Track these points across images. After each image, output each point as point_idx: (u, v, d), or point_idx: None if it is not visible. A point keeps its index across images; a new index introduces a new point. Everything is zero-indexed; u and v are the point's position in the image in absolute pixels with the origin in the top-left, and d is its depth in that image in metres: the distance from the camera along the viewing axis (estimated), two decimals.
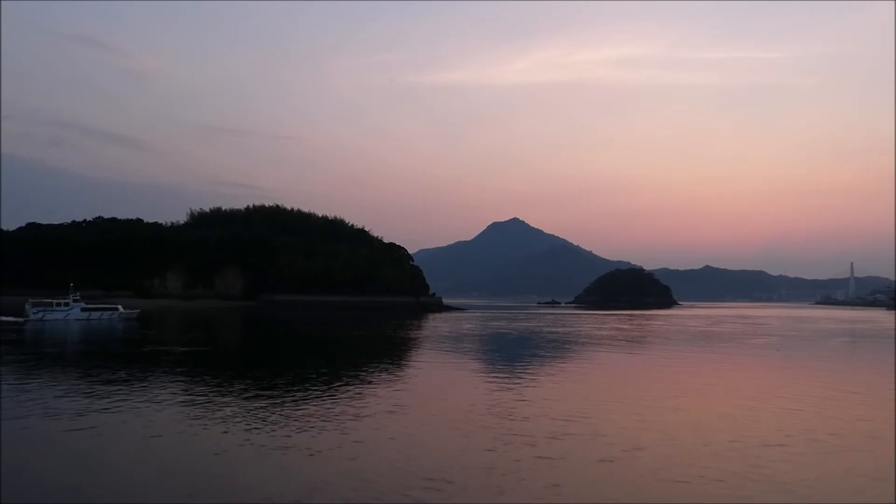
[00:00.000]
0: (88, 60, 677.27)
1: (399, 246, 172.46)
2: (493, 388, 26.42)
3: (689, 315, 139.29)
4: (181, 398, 22.51)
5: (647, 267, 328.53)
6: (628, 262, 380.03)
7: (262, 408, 20.75)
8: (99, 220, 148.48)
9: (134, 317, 76.13)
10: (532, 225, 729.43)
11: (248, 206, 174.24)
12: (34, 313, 67.44)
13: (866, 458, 15.84)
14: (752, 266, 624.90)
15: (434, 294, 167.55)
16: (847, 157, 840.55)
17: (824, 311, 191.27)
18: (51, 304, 69.96)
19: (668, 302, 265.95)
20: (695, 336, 67.14)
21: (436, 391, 26.42)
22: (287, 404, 21.53)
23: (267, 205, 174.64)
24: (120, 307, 77.70)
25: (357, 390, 25.37)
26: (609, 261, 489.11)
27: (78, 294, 73.67)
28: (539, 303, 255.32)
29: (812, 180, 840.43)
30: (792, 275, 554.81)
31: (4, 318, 64.27)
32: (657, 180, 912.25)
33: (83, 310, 71.71)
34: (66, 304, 70.59)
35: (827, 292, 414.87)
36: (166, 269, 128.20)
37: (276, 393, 24.06)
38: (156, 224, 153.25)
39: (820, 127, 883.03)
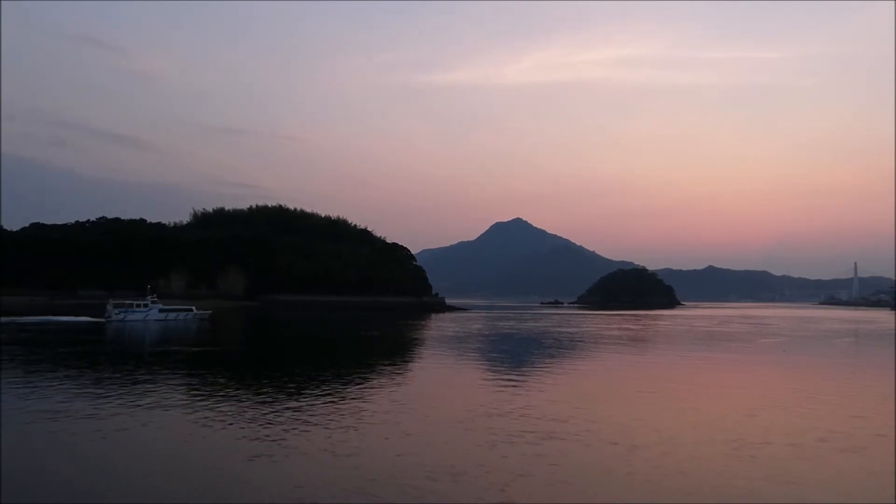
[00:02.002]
0: (91, 61, 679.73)
1: (401, 246, 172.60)
2: (497, 388, 26.24)
3: (693, 315, 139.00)
4: (187, 398, 22.43)
5: (650, 267, 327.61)
6: (631, 263, 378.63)
7: (265, 407, 20.65)
8: (102, 221, 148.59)
9: (206, 317, 78.44)
10: (535, 225, 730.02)
11: (250, 207, 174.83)
12: (116, 314, 70.31)
13: (866, 457, 15.70)
14: (755, 266, 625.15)
15: (437, 294, 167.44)
16: (847, 157, 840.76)
17: (828, 312, 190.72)
18: (131, 305, 72.67)
19: (670, 302, 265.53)
20: (702, 336, 66.91)
21: (439, 391, 26.27)
22: (290, 404, 21.41)
23: (269, 205, 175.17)
24: (193, 308, 79.97)
25: (360, 390, 25.23)
26: (612, 261, 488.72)
27: (155, 295, 77.00)
28: (542, 303, 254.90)
29: (813, 180, 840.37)
30: (795, 275, 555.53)
31: (83, 319, 68.62)
32: (659, 180, 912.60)
33: (161, 310, 74.38)
34: (145, 306, 73.46)
35: (830, 292, 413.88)
36: (169, 269, 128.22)
37: (279, 392, 23.95)
38: (159, 224, 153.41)
39: (820, 127, 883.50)
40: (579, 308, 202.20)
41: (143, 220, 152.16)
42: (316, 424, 18.20)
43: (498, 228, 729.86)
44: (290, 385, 26.17)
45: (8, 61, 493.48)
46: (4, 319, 65.30)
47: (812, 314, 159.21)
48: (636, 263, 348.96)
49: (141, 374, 28.55)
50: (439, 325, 79.83)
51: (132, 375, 28.14)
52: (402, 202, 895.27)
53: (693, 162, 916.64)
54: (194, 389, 24.64)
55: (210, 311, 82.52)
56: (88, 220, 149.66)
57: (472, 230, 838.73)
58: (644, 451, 15.66)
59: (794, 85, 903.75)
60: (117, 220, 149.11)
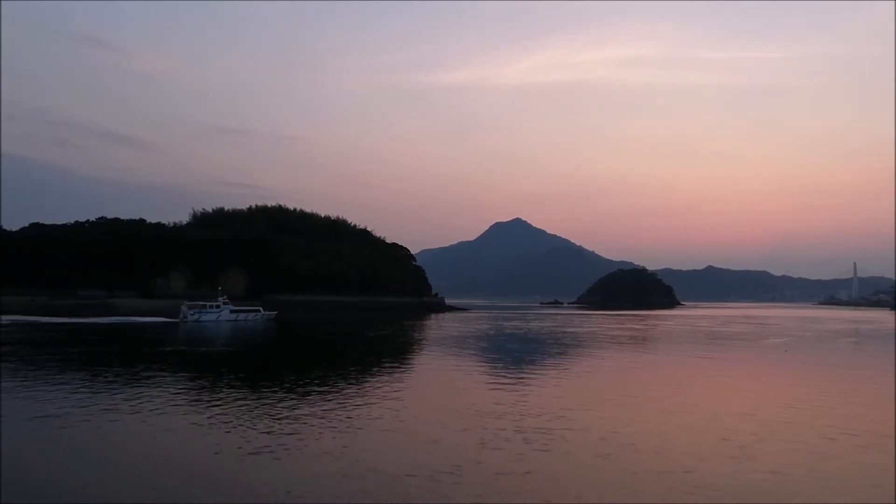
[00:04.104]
0: (93, 61, 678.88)
1: (401, 246, 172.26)
2: (499, 388, 26.12)
3: (694, 315, 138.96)
4: (188, 397, 22.34)
5: (650, 267, 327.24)
6: (631, 263, 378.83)
7: (265, 407, 20.54)
8: (102, 221, 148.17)
9: (272, 317, 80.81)
10: (535, 225, 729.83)
11: (250, 207, 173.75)
12: (191, 314, 73.34)
13: (867, 457, 15.58)
14: (755, 266, 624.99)
15: (436, 294, 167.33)
16: (847, 157, 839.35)
17: (828, 312, 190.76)
18: (204, 307, 75.49)
19: (670, 302, 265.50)
20: (705, 336, 66.85)
21: (441, 391, 26.13)
22: (290, 403, 21.31)
23: (269, 205, 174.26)
24: (261, 308, 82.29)
25: (360, 390, 25.12)
26: (611, 261, 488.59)
27: (226, 297, 79.81)
28: (541, 303, 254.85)
29: (813, 180, 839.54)
30: (795, 275, 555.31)
31: (160, 319, 72.40)
32: (659, 180, 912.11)
33: (231, 311, 76.95)
34: (217, 307, 76.16)
35: (830, 292, 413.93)
36: (170, 269, 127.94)
37: (279, 392, 23.85)
38: (159, 224, 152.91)
39: (820, 127, 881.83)
40: (579, 308, 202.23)
41: (142, 220, 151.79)
42: (316, 424, 18.07)
43: (498, 228, 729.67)
44: (291, 385, 26.04)
45: (12, 61, 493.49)
46: (82, 320, 68.06)
47: (813, 314, 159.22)
48: (636, 263, 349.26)
49: (144, 374, 28.39)
50: (440, 326, 79.75)
51: (135, 375, 27.99)
52: (402, 202, 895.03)
53: (693, 162, 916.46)
54: (196, 389, 24.53)
55: (275, 312, 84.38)
56: (88, 220, 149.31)
57: (472, 230, 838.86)
58: (643, 449, 15.61)
59: (794, 85, 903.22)
60: (117, 220, 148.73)
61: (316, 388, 25.04)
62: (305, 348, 48.67)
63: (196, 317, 73.03)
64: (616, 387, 27.46)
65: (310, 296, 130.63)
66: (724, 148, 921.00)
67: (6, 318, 66.16)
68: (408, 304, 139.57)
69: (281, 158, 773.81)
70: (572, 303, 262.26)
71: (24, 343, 43.16)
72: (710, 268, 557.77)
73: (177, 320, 71.56)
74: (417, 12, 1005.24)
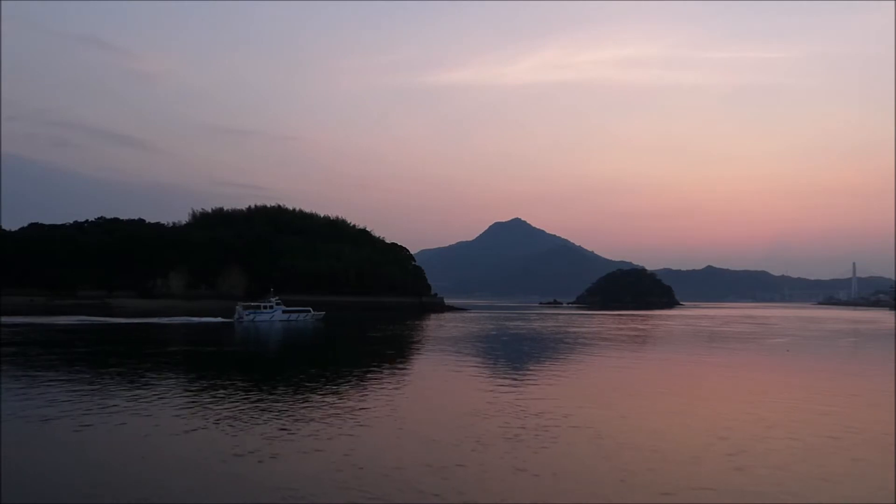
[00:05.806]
0: (95, 61, 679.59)
1: (401, 246, 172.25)
2: (499, 388, 26.07)
3: (695, 315, 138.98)
4: (189, 397, 22.31)
5: (649, 267, 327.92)
6: (630, 263, 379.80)
7: (265, 407, 20.51)
8: (101, 221, 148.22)
9: (321, 318, 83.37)
10: (534, 225, 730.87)
11: (249, 207, 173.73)
12: (247, 315, 76.14)
13: (867, 456, 15.56)
14: (755, 266, 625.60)
15: (436, 294, 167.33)
16: (847, 157, 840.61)
17: (828, 312, 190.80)
18: (258, 307, 78.86)
19: (670, 302, 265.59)
20: (707, 337, 66.88)
21: (439, 390, 26.12)
22: (290, 403, 21.29)
23: (269, 205, 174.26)
24: (311, 309, 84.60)
25: (360, 390, 25.10)
26: (611, 261, 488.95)
27: (278, 298, 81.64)
28: (541, 303, 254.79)
29: (813, 180, 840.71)
30: (794, 275, 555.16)
31: (216, 319, 75.46)
32: (659, 180, 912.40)
33: (284, 311, 79.81)
34: (271, 307, 78.83)
35: (829, 292, 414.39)
36: (169, 269, 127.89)
37: (279, 392, 23.85)
38: (158, 224, 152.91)
39: (820, 127, 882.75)
40: (578, 308, 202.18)
41: (142, 220, 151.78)
42: (315, 424, 18.06)
43: (497, 228, 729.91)
44: (291, 385, 26.03)
45: (13, 62, 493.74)
46: (139, 321, 69.79)
47: (813, 314, 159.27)
48: (635, 263, 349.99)
49: (145, 374, 28.34)
50: (440, 326, 79.73)
51: (136, 375, 27.94)
52: (402, 202, 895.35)
53: (693, 162, 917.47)
54: (196, 389, 24.48)
55: (324, 312, 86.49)
56: (88, 220, 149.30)
57: (472, 230, 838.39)
58: (641, 448, 15.61)
59: (795, 85, 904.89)
60: (116, 220, 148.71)
61: (316, 389, 24.99)
62: (306, 348, 48.62)
63: (251, 317, 75.80)
64: (616, 386, 27.45)
65: (310, 296, 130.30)
66: (724, 148, 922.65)
67: (63, 319, 68.07)
68: (407, 305, 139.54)
69: (281, 158, 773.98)
70: (571, 303, 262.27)
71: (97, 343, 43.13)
72: (709, 268, 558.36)
73: (232, 320, 74.52)
74: (417, 12, 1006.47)
